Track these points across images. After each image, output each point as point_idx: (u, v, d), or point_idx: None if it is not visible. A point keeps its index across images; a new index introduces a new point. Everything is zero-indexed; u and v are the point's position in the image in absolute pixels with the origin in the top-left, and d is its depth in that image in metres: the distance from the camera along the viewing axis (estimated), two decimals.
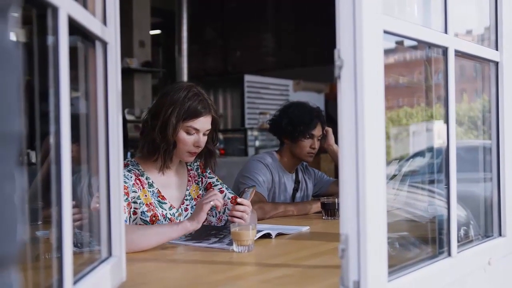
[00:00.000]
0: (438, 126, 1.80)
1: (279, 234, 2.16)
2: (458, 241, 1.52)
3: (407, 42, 1.53)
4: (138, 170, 2.20)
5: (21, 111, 0.60)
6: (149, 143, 2.17)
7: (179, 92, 2.15)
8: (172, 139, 2.14)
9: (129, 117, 6.92)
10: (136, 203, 2.12)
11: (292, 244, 2.08)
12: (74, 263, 1.02)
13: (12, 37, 0.60)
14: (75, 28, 1.08)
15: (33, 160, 2.64)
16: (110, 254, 1.35)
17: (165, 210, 2.20)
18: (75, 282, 1.06)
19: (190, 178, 2.35)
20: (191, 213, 2.26)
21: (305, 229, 2.32)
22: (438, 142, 1.83)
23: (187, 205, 2.30)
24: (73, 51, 1.04)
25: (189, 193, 2.33)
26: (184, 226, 1.95)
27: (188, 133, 2.16)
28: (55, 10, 0.97)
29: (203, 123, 2.18)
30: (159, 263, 1.77)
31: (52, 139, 0.98)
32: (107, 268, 1.27)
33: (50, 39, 0.99)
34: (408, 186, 1.99)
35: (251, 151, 7.19)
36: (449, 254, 1.49)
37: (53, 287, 0.98)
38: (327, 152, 3.15)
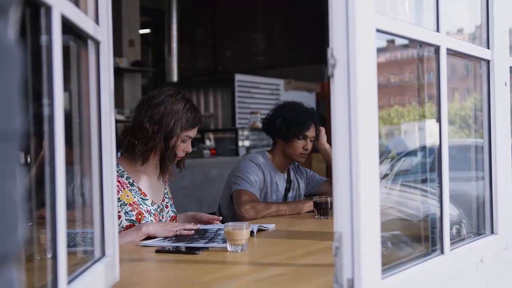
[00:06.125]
0: (430, 125, 1.81)
1: (259, 230, 2.21)
2: (451, 239, 1.53)
3: (398, 41, 1.54)
4: (117, 171, 2.21)
5: (22, 109, 0.60)
6: (151, 150, 2.23)
7: (177, 103, 2.24)
8: (175, 149, 2.24)
9: (118, 117, 6.87)
10: (118, 206, 2.14)
11: (285, 243, 2.08)
12: (67, 263, 1.01)
13: (12, 35, 0.60)
14: (67, 27, 1.07)
15: (23, 161, 2.62)
16: (103, 254, 1.34)
17: (148, 206, 2.26)
18: (69, 282, 1.05)
19: (166, 179, 2.45)
20: (171, 210, 2.40)
21: (271, 226, 2.33)
22: (430, 141, 1.83)
23: (166, 202, 2.40)
24: (64, 51, 1.03)
25: (167, 192, 2.43)
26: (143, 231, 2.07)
27: (184, 141, 2.27)
28: (48, 9, 0.96)
29: (196, 131, 2.32)
30: (153, 263, 1.76)
31: (45, 140, 0.98)
32: (100, 268, 1.27)
33: (43, 38, 0.98)
34: (400, 185, 2.00)
35: (242, 151, 7.17)
36: (442, 252, 1.49)
37: (48, 287, 0.97)
38: (318, 152, 3.15)
